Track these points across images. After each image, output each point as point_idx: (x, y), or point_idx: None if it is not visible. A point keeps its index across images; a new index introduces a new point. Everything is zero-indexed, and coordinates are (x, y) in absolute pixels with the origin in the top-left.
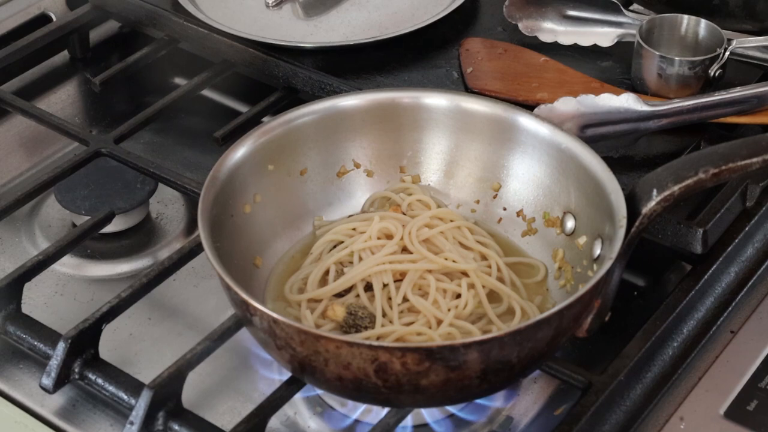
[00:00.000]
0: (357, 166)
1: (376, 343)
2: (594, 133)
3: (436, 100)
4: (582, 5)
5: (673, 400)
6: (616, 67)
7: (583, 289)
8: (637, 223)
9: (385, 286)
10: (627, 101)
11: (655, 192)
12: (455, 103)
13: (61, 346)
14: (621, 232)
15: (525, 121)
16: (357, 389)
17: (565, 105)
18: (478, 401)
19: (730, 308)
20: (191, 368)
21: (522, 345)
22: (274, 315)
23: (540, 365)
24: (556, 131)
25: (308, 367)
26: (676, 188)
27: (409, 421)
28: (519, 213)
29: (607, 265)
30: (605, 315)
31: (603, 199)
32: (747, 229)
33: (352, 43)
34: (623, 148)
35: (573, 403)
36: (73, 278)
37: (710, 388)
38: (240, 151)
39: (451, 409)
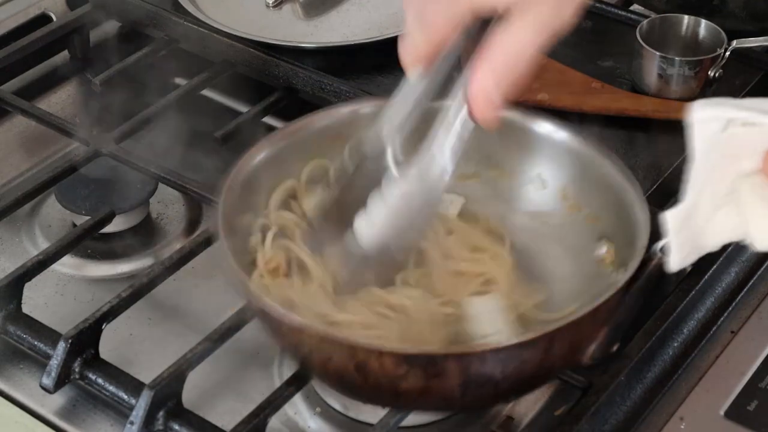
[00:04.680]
0: None
1: (355, 342)
2: None
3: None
4: None
5: (673, 400)
6: (616, 67)
7: (575, 315)
8: (655, 260)
9: None
10: None
11: None
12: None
13: (61, 346)
14: (635, 263)
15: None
16: (340, 383)
17: None
18: None
19: (730, 308)
20: (191, 368)
21: (506, 364)
22: (265, 300)
23: (536, 386)
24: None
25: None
26: None
27: (409, 421)
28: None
29: (606, 295)
30: (613, 345)
31: (630, 227)
32: None
33: (352, 43)
34: (623, 148)
35: (573, 403)
36: (73, 278)
37: (710, 388)
38: (260, 156)
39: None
